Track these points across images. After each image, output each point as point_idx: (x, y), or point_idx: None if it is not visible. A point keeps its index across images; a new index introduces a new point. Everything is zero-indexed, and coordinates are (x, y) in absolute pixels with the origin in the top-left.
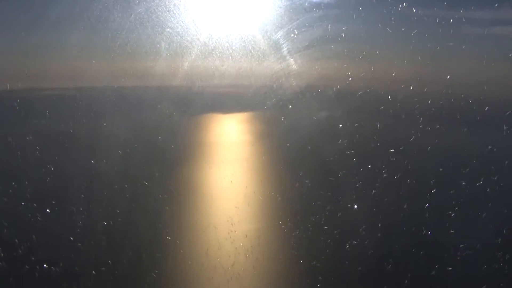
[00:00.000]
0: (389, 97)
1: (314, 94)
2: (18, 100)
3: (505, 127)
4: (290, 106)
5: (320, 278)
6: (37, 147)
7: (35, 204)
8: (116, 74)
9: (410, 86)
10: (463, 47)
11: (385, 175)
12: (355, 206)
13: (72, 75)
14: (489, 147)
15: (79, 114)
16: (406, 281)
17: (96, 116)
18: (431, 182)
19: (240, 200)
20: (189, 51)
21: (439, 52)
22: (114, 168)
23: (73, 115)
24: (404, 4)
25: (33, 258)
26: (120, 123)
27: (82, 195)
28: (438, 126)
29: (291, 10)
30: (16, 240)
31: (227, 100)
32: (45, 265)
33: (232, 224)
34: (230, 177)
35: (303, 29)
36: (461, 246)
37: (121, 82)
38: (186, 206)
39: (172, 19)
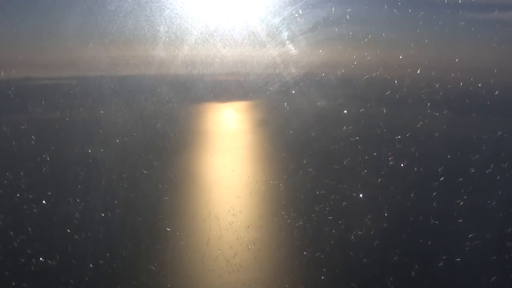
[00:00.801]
0: (396, 81)
1: (318, 79)
2: (13, 88)
3: None
4: (293, 92)
5: (324, 269)
6: (32, 137)
7: (30, 196)
8: (113, 60)
9: (418, 70)
10: (473, 29)
11: (391, 163)
12: (361, 195)
13: (66, 61)
14: (499, 132)
15: (75, 102)
16: (413, 273)
17: (92, 104)
18: (439, 169)
19: (241, 189)
20: (190, 36)
21: (448, 34)
22: (112, 157)
23: (68, 103)
24: None
25: (28, 251)
26: (118, 111)
27: (79, 186)
28: (446, 112)
29: None
30: (11, 232)
31: (228, 87)
32: (41, 258)
33: (233, 214)
34: (231, 166)
35: (306, 11)
36: (470, 236)
37: (118, 68)
38: (186, 196)
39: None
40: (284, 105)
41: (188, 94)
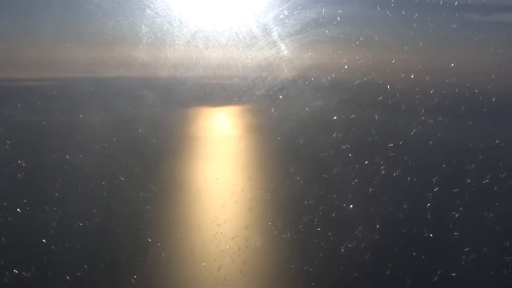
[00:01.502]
0: (388, 86)
1: (307, 83)
2: None
3: None
4: (281, 97)
5: (312, 284)
6: (7, 141)
7: (4, 203)
8: (91, 61)
9: (411, 75)
10: (469, 32)
11: (383, 171)
12: (351, 206)
13: (43, 61)
14: (497, 141)
15: (51, 105)
16: None
17: (70, 108)
18: (433, 179)
19: (226, 198)
20: (173, 38)
21: (443, 37)
22: (91, 163)
23: (44, 106)
24: None
25: (1, 262)
26: (97, 115)
27: (56, 193)
28: (441, 118)
29: None
30: None
31: (212, 91)
32: (15, 270)
33: (217, 224)
34: (216, 174)
35: (295, 12)
36: (466, 249)
37: (97, 70)
38: (168, 205)
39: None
40: (271, 110)
41: (171, 98)
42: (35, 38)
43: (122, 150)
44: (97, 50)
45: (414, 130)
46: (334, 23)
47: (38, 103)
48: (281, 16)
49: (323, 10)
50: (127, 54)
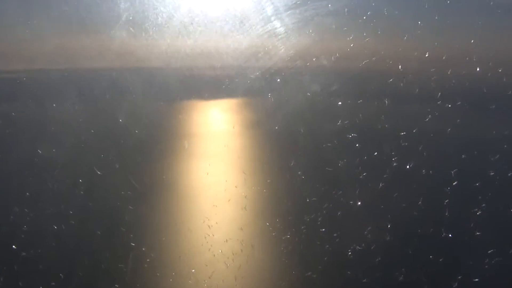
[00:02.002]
0: (400, 67)
1: (307, 64)
2: None
3: None
4: (278, 80)
5: None
6: None
7: None
8: (68, 51)
9: (426, 53)
10: (491, 3)
11: (395, 164)
12: (359, 203)
13: (12, 49)
14: None
15: (21, 94)
16: None
17: (42, 97)
18: (452, 172)
19: (218, 196)
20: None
21: (462, 10)
22: (66, 159)
23: (13, 95)
24: None
25: None
26: (72, 105)
27: (27, 193)
28: (460, 103)
29: None
30: None
31: (198, 76)
32: None
33: (209, 226)
34: (206, 169)
35: None
36: (489, 251)
37: (73, 57)
38: (153, 205)
39: None
40: (267, 96)
41: (155, 88)
42: (9, 29)
43: (100, 144)
44: (73, 38)
45: (430, 116)
46: None
47: (5, 93)
48: None
49: None
50: (108, 41)
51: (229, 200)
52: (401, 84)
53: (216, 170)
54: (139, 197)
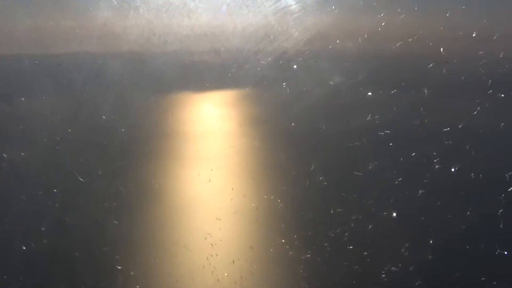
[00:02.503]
0: (442, 49)
1: (330, 47)
2: None
3: None
4: (295, 67)
5: None
6: None
7: None
8: (40, 34)
9: (473, 32)
10: None
11: (437, 166)
12: (394, 214)
13: None
14: None
15: None
16: None
17: (9, 89)
18: (507, 176)
19: (223, 208)
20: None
21: None
22: (38, 163)
23: None
24: None
25: None
26: (45, 98)
27: None
28: None
29: None
30: None
31: (202, 63)
32: None
33: (212, 244)
34: (208, 175)
35: None
36: None
37: (46, 40)
38: (143, 219)
39: None
40: (282, 86)
41: (147, 78)
42: None
43: (80, 145)
44: (47, 18)
45: (479, 108)
46: None
47: None
48: None
49: None
50: (86, 22)
51: (236, 213)
52: (444, 70)
53: (220, 175)
54: (126, 209)
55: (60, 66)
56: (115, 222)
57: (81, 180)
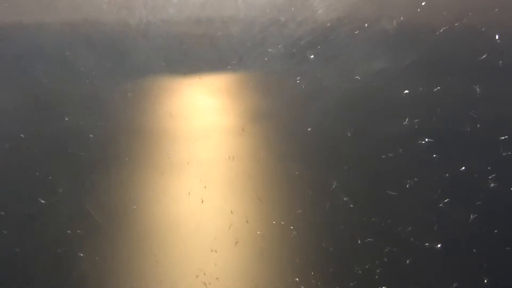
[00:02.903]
0: (497, 37)
1: (356, 33)
2: None
3: None
4: (312, 57)
5: None
6: None
7: None
8: None
9: None
10: None
11: (492, 184)
12: (438, 246)
13: None
14: None
15: None
16: None
17: None
18: None
19: (220, 236)
20: None
21: None
22: None
23: None
24: None
25: None
26: None
27: None
28: None
29: None
30: None
31: (198, 48)
32: None
33: (205, 284)
34: (202, 194)
35: None
36: None
37: None
38: (118, 251)
39: None
40: (295, 81)
41: (126, 69)
42: None
43: (38, 153)
44: None
45: None
46: None
47: None
48: None
49: None
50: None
51: (236, 243)
52: (499, 63)
53: (216, 194)
54: (95, 237)
55: (8, 48)
56: (81, 254)
57: (38, 200)
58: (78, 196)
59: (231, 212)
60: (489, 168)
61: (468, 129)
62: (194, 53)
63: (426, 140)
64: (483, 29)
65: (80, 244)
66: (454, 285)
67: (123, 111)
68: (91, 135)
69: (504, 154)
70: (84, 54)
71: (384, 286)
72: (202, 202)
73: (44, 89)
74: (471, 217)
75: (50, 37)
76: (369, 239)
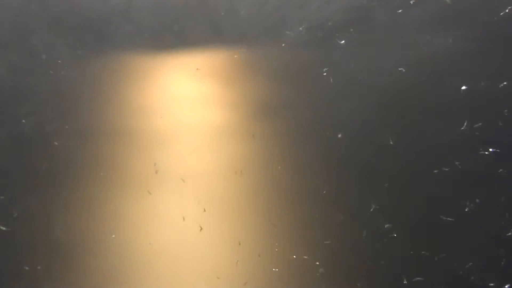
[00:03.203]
0: None
1: (398, 14)
2: None
3: None
4: (342, 42)
5: None
6: None
7: None
8: None
9: None
10: None
11: None
12: (506, 287)
13: None
14: None
15: None
16: None
17: None
18: None
19: (224, 273)
20: None
21: None
22: None
23: None
24: None
25: None
26: None
27: None
28: None
29: None
30: None
31: (194, 24)
32: None
33: None
34: (200, 219)
35: None
36: None
37: None
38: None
39: None
40: (322, 74)
41: (102, 46)
42: None
43: None
44: None
45: None
46: None
47: None
48: None
49: None
50: None
51: (245, 284)
52: None
53: (219, 221)
54: (65, 273)
55: None
56: None
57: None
58: (39, 221)
59: (239, 243)
60: None
61: None
62: (189, 36)
63: (490, 150)
64: None
65: (41, 284)
66: None
67: (97, 111)
68: (55, 143)
69: None
70: (45, 37)
71: None
72: (201, 229)
73: None
74: None
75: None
76: (418, 278)
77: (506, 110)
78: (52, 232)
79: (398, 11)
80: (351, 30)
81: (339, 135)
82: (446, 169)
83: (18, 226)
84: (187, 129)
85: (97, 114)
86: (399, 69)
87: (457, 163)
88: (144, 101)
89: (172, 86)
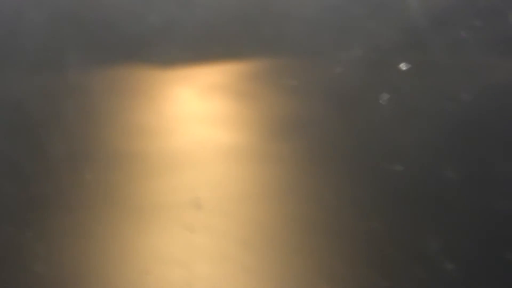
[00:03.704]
0: None
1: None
2: None
3: None
4: (401, 65)
5: None
6: None
7: None
8: None
9: None
10: None
11: None
12: None
13: None
14: None
15: None
16: None
17: None
18: None
19: None
20: None
21: None
22: None
23: None
24: None
25: None
26: None
27: None
28: None
29: None
30: None
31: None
32: None
33: None
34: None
35: None
36: None
37: None
38: None
39: None
40: (376, 99)
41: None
42: None
43: None
44: None
45: None
46: None
47: None
48: None
49: None
50: None
51: None
52: None
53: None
54: None
55: None
56: None
57: None
58: (16, 249)
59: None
60: None
61: None
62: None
63: None
64: None
65: None
66: None
67: (75, 128)
68: (33, 164)
69: None
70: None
71: None
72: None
73: None
74: None
75: None
76: None
77: None
78: (26, 266)
79: (460, 33)
80: (412, 51)
81: (396, 168)
82: None
83: None
84: (189, 153)
85: (76, 134)
86: (464, 95)
87: None
88: (135, 118)
89: (171, 97)
